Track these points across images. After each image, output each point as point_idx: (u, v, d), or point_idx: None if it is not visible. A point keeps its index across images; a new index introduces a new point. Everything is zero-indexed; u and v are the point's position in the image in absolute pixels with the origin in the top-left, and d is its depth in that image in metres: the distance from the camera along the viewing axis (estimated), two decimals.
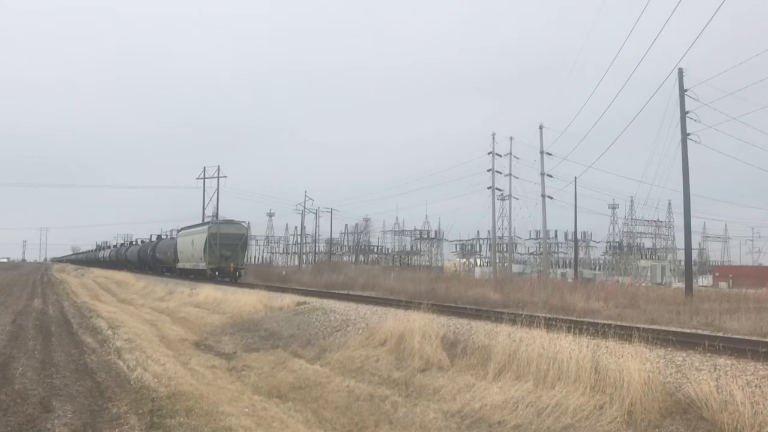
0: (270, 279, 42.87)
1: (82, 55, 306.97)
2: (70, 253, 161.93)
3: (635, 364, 8.27)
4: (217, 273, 39.42)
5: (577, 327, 11.38)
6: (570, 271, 61.18)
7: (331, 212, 76.93)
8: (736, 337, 12.67)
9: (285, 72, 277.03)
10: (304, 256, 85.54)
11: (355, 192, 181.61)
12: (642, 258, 76.10)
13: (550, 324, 11.28)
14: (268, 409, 8.78)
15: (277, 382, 11.20)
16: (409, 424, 8.73)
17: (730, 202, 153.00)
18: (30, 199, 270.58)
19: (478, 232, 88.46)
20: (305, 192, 73.48)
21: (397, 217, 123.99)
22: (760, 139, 55.71)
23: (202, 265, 40.25)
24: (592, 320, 15.30)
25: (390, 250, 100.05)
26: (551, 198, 43.58)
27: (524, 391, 9.03)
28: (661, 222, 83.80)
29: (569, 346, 9.61)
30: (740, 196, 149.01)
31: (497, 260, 53.06)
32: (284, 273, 52.46)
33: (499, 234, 53.00)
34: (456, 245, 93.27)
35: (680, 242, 61.02)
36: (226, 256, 39.50)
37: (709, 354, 9.56)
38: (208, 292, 26.20)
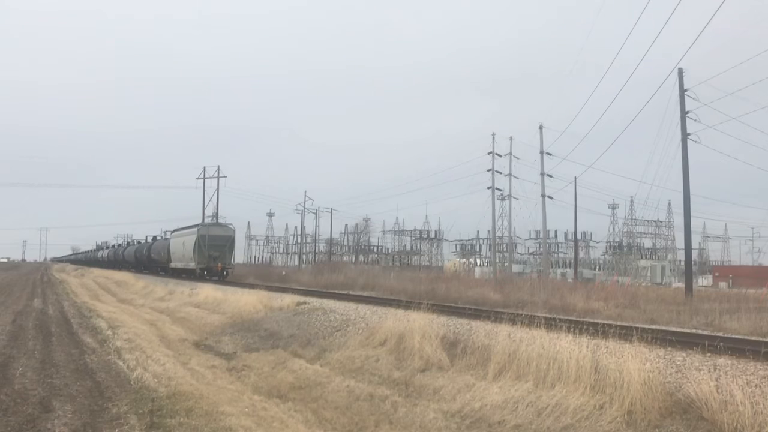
0: (270, 279, 42.87)
1: (82, 55, 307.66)
2: (70, 253, 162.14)
3: (635, 364, 8.27)
4: (205, 272, 41.32)
5: (577, 327, 11.38)
6: (570, 271, 61.19)
7: (331, 212, 77.06)
8: (736, 337, 12.66)
9: (285, 72, 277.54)
10: (304, 256, 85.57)
11: (355, 192, 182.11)
12: (642, 258, 76.13)
13: (550, 324, 11.29)
14: (268, 409, 8.79)
15: (277, 382, 11.20)
16: (409, 424, 8.73)
17: (730, 202, 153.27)
18: (30, 199, 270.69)
19: (478, 232, 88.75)
20: (305, 192, 73.65)
21: (397, 217, 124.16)
22: (760, 139, 55.84)
23: (192, 265, 42.40)
24: (592, 320, 15.30)
25: (390, 250, 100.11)
26: (551, 198, 43.69)
27: (524, 391, 9.03)
28: (661, 222, 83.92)
29: (569, 346, 9.61)
30: (740, 196, 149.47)
31: (497, 260, 53.07)
32: (284, 273, 52.52)
33: (499, 234, 53.05)
34: (456, 245, 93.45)
35: (680, 242, 60.76)
36: (214, 256, 41.82)
37: (709, 354, 9.56)
38: (208, 292, 26.21)
